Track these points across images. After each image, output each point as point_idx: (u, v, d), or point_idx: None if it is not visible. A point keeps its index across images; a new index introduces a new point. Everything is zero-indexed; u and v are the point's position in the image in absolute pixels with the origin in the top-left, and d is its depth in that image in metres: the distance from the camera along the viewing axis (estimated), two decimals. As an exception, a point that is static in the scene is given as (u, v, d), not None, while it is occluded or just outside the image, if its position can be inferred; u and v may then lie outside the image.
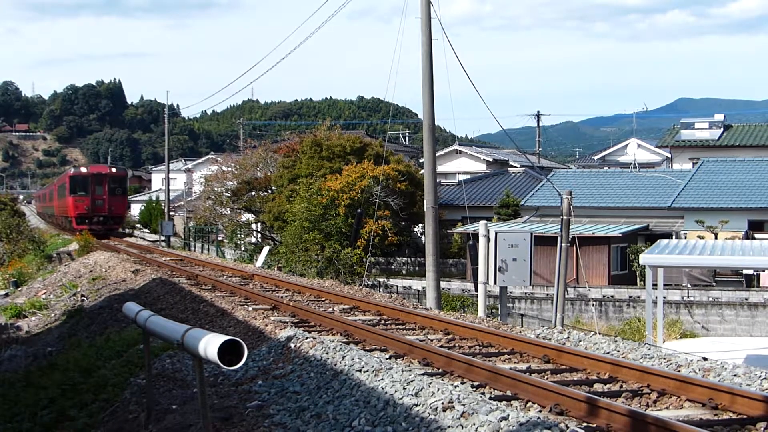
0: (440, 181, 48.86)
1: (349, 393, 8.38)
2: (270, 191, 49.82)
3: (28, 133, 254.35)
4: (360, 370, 9.09)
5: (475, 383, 9.02)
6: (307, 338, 10.97)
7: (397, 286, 38.39)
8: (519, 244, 21.02)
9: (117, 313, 17.43)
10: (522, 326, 21.47)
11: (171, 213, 63.83)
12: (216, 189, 54.73)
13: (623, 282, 37.54)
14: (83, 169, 57.18)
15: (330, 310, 15.21)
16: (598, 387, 9.09)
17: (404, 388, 8.12)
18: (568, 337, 12.27)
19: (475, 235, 24.82)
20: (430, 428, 6.95)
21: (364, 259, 34.43)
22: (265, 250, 38.53)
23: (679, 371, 9.53)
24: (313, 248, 37.42)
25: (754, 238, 34.86)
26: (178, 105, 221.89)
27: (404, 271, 45.58)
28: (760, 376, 9.19)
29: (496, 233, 21.24)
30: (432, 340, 12.16)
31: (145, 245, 46.65)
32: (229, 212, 53.98)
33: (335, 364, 9.51)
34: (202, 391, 7.08)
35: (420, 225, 45.03)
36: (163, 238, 55.45)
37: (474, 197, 49.44)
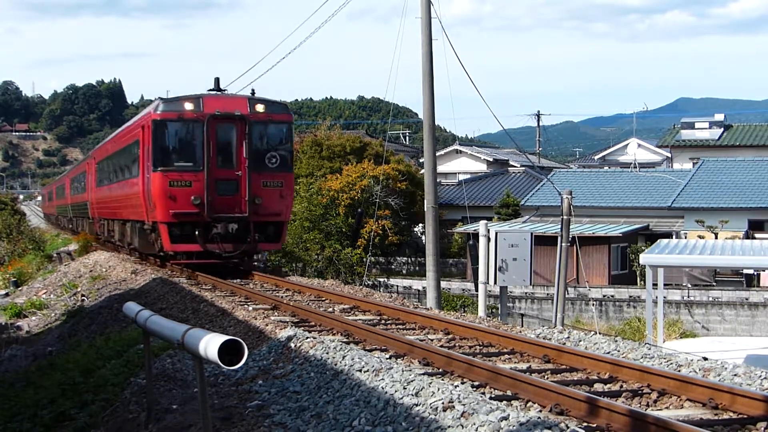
0: (440, 180, 48.87)
1: (349, 393, 8.38)
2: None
3: (28, 133, 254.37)
4: (360, 370, 9.09)
5: (476, 383, 9.02)
6: (307, 338, 10.97)
7: (398, 286, 38.41)
8: (519, 243, 21.04)
9: (117, 312, 17.43)
10: (522, 326, 21.47)
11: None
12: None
13: (623, 282, 37.56)
14: (188, 105, 20.59)
15: (330, 309, 15.21)
16: (598, 387, 9.09)
17: (404, 388, 8.12)
18: (568, 337, 12.27)
19: (476, 235, 24.83)
20: (430, 428, 6.95)
21: (364, 259, 34.44)
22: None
23: (679, 371, 9.53)
24: (314, 248, 37.44)
25: (754, 238, 34.87)
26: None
27: (404, 271, 45.60)
28: (760, 376, 9.19)
29: (496, 233, 21.24)
30: (432, 340, 12.16)
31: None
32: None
33: (335, 364, 9.51)
34: (203, 391, 7.08)
35: (420, 225, 45.06)
36: None
37: (474, 197, 49.45)
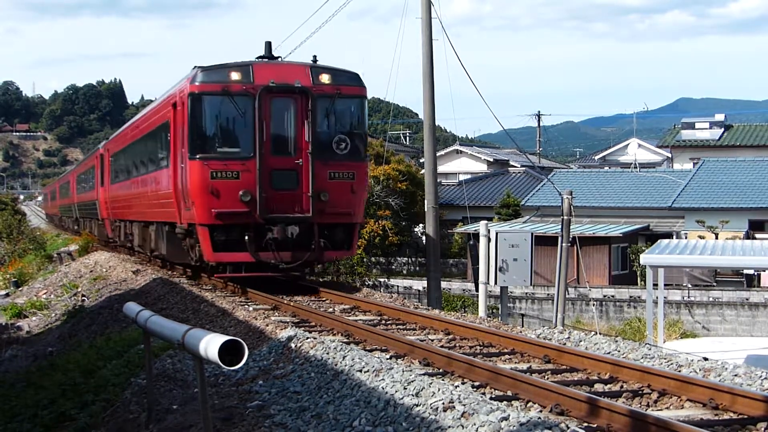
0: (441, 181, 48.90)
1: (349, 393, 8.38)
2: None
3: (28, 133, 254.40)
4: (360, 370, 9.09)
5: (476, 383, 9.02)
6: (307, 338, 10.98)
7: (398, 286, 38.41)
8: (520, 244, 21.03)
9: (118, 313, 17.43)
10: (522, 326, 21.47)
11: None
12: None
13: (624, 282, 37.56)
14: (234, 75, 16.50)
15: (330, 310, 15.21)
16: (598, 387, 9.09)
17: (405, 388, 8.12)
18: (568, 337, 12.27)
19: (476, 235, 24.82)
20: (430, 428, 6.96)
21: (364, 259, 34.43)
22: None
23: (679, 371, 9.53)
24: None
25: (754, 238, 34.87)
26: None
27: (405, 271, 45.61)
28: (760, 376, 9.20)
29: (496, 233, 21.24)
30: (432, 340, 12.16)
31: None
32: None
33: (336, 364, 9.52)
34: (203, 391, 7.08)
35: (420, 225, 45.04)
36: None
37: (474, 197, 49.47)
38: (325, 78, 16.84)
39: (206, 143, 16.58)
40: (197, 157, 16.43)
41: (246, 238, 16.33)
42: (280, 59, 18.06)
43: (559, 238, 22.10)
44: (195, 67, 17.14)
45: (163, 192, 19.53)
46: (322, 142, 16.72)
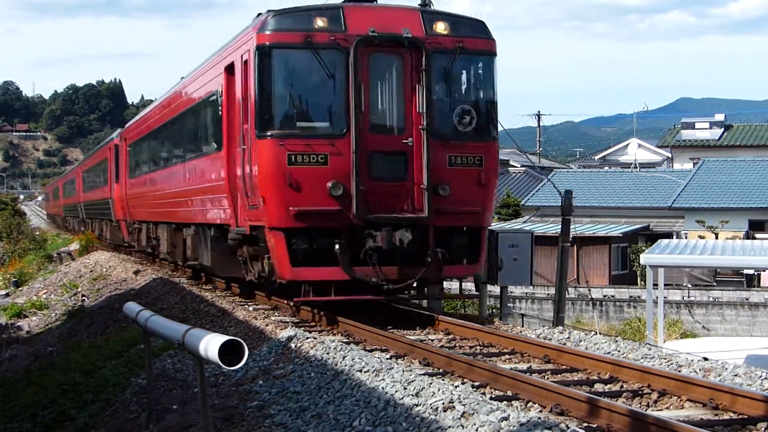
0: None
1: (349, 393, 8.39)
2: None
3: (28, 133, 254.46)
4: (361, 370, 9.09)
5: (476, 383, 9.02)
6: (307, 338, 10.98)
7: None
8: (519, 243, 21.00)
9: (118, 313, 17.43)
10: (522, 326, 21.47)
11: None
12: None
13: (624, 282, 37.56)
14: (319, 22, 12.34)
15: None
16: (598, 387, 9.09)
17: (405, 388, 8.12)
18: (568, 337, 12.28)
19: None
20: (430, 428, 6.96)
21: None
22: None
23: (679, 371, 9.54)
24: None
25: (754, 238, 34.88)
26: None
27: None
28: (760, 376, 9.20)
29: (497, 233, 21.23)
30: (432, 340, 12.15)
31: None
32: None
33: (336, 364, 9.52)
34: (203, 391, 7.08)
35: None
36: None
37: (474, 197, 49.39)
38: (442, 27, 12.75)
39: (282, 116, 12.58)
40: (269, 135, 12.32)
41: (336, 247, 12.17)
42: (376, 1, 13.48)
43: (559, 238, 22.09)
44: (263, 12, 13.06)
45: (209, 185, 15.54)
46: (440, 114, 12.73)
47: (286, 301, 14.53)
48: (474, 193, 12.87)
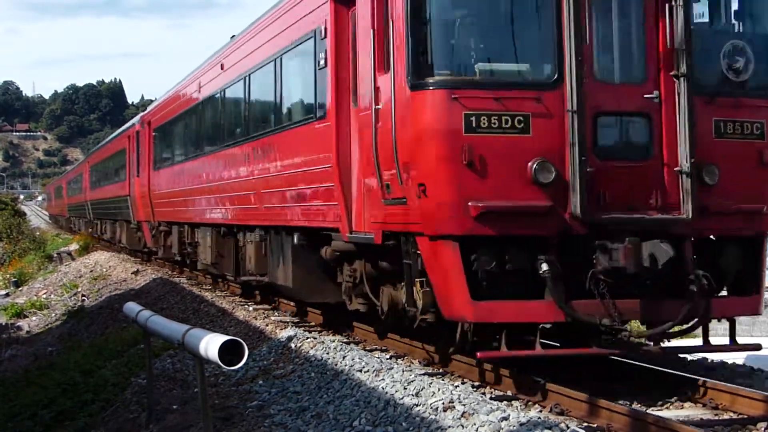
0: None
1: (349, 393, 8.38)
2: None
3: (28, 133, 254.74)
4: (360, 370, 9.08)
5: (476, 383, 9.00)
6: (307, 338, 10.98)
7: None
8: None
9: (117, 313, 17.43)
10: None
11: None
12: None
13: (624, 282, 37.47)
14: None
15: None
16: (598, 387, 9.05)
17: (405, 388, 8.12)
18: (568, 337, 12.24)
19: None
20: (430, 428, 6.95)
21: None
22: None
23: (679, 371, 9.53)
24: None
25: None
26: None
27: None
28: (760, 376, 9.21)
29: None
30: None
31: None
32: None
33: (336, 364, 9.51)
34: (203, 391, 7.08)
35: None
36: None
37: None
38: None
39: (454, 54, 8.30)
40: (432, 83, 8.01)
41: (544, 267, 7.84)
42: None
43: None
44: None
45: (300, 170, 11.24)
46: (701, 54, 8.41)
47: (455, 358, 9.41)
48: (754, 181, 8.55)
